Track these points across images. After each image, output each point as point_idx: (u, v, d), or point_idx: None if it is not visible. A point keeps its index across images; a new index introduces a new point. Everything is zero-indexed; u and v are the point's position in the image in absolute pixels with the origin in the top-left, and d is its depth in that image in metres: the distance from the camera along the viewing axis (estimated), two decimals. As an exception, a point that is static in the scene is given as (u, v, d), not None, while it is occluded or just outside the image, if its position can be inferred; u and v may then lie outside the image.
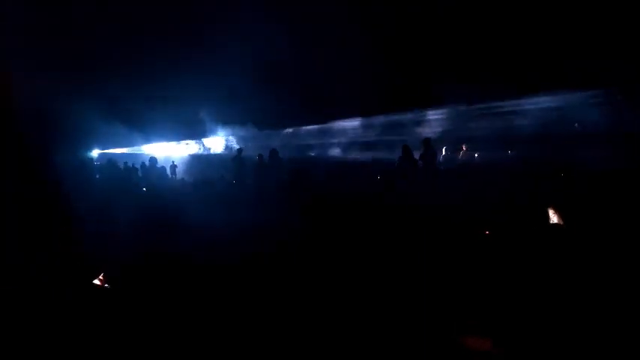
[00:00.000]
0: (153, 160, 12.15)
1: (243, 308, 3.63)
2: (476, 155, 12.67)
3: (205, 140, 21.80)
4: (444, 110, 15.13)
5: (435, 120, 15.47)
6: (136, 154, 18.90)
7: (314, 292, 3.93)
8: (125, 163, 13.45)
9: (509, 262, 3.66)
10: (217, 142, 21.78)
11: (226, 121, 19.04)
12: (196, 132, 20.60)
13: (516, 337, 2.96)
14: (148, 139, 20.01)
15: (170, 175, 14.35)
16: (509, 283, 3.46)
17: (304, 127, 19.06)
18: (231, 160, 12.13)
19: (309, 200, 7.44)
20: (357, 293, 3.81)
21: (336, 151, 18.42)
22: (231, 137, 21.16)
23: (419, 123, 15.74)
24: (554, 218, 3.61)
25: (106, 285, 3.04)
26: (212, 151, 21.76)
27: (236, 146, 17.73)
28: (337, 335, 3.17)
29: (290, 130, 19.61)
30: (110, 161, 13.03)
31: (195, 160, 18.94)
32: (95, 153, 19.25)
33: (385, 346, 3.03)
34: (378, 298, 3.71)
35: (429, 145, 10.41)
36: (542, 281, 3.27)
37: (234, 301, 3.73)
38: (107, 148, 19.71)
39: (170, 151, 20.74)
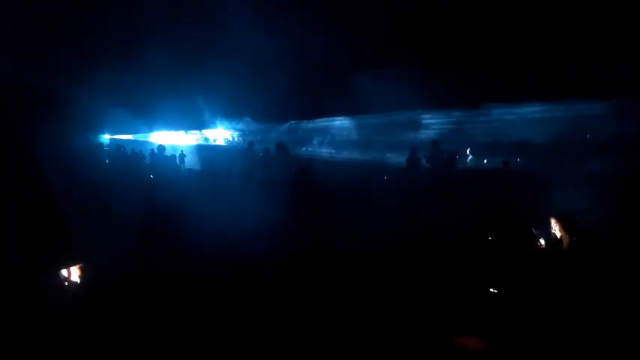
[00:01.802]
0: (161, 148, 12.21)
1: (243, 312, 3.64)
2: (485, 162, 12.64)
3: (214, 131, 21.91)
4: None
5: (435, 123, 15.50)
6: (146, 142, 19.08)
7: (317, 293, 3.93)
8: (132, 149, 13.53)
9: (509, 266, 3.63)
10: (225, 134, 21.92)
11: (233, 113, 19.12)
12: (208, 122, 20.72)
13: (516, 338, 2.95)
14: (157, 127, 20.17)
15: (179, 164, 14.43)
16: (508, 285, 3.43)
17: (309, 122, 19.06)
18: (242, 154, 12.15)
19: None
20: (360, 295, 3.80)
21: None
22: (236, 131, 21.29)
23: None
24: (555, 228, 3.56)
25: (76, 279, 3.02)
26: (221, 143, 21.88)
27: (247, 139, 17.82)
28: (341, 334, 3.17)
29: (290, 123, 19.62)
30: (118, 147, 13.13)
31: (204, 150, 19.02)
32: (106, 138, 19.45)
33: (388, 345, 3.03)
34: (382, 298, 3.70)
35: (437, 147, 10.35)
36: (543, 286, 3.24)
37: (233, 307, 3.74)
38: (118, 134, 19.91)
39: (179, 140, 20.90)
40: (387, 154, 15.59)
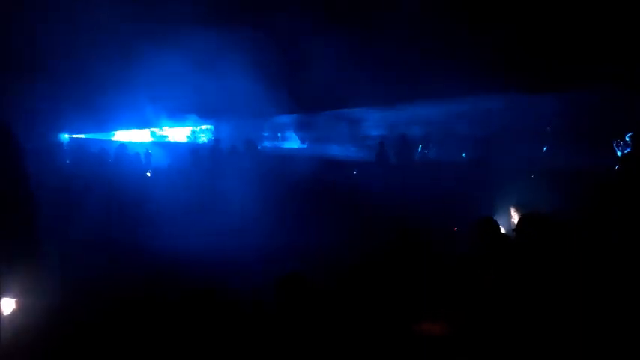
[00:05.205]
0: (122, 147, 11.89)
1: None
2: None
3: (176, 129, 21.46)
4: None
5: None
6: (106, 141, 18.40)
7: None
8: (102, 147, 13.13)
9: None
10: (185, 131, 21.56)
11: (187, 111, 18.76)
12: (170, 119, 20.26)
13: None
14: (117, 126, 19.53)
15: (144, 163, 14.03)
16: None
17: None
18: (208, 151, 12.02)
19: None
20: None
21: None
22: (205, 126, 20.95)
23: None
24: (515, 218, 3.77)
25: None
26: (183, 140, 21.45)
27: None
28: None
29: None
30: (81, 146, 12.65)
31: (168, 148, 18.55)
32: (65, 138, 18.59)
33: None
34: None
35: (406, 142, 10.64)
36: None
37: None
38: (76, 133, 19.09)
39: (143, 138, 20.28)
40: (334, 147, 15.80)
